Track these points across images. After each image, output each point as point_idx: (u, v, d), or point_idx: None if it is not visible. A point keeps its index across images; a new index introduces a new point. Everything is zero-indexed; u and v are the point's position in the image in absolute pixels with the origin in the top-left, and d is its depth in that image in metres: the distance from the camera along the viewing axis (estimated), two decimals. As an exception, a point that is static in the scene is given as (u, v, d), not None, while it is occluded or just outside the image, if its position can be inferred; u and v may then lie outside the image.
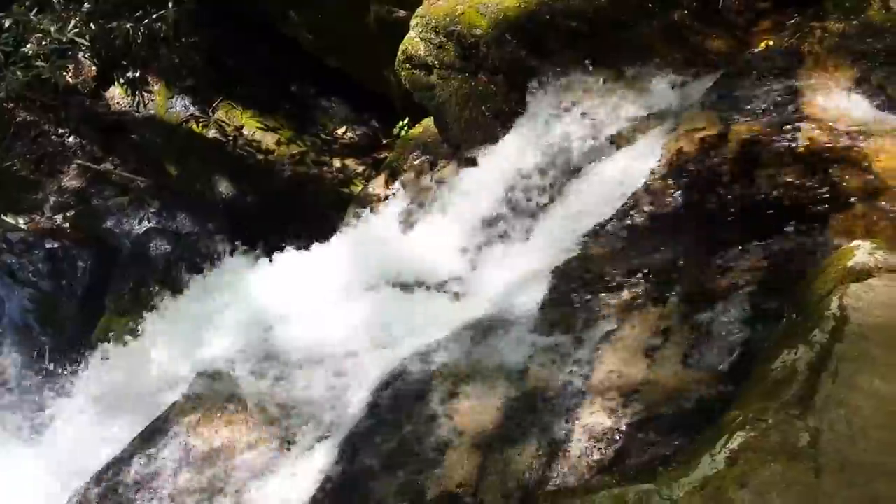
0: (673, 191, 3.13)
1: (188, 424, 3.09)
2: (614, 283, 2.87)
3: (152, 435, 3.08)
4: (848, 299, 1.96)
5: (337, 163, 5.93)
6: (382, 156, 5.70)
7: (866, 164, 2.81)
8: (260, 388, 3.17)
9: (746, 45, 3.97)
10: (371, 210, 4.43)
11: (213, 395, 3.18)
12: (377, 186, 4.58)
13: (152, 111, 6.23)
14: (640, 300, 2.73)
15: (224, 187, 5.79)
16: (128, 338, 4.06)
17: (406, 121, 5.28)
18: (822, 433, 1.69)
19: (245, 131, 6.05)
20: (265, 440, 2.97)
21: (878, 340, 1.86)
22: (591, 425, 2.39)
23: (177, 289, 4.31)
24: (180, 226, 5.41)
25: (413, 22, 4.47)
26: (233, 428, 3.03)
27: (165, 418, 3.15)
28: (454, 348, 2.89)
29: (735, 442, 1.78)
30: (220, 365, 3.33)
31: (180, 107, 6.20)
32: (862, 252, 2.12)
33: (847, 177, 2.79)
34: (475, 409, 2.63)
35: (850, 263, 2.09)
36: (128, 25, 5.14)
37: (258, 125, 6.07)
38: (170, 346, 3.79)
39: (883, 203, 2.65)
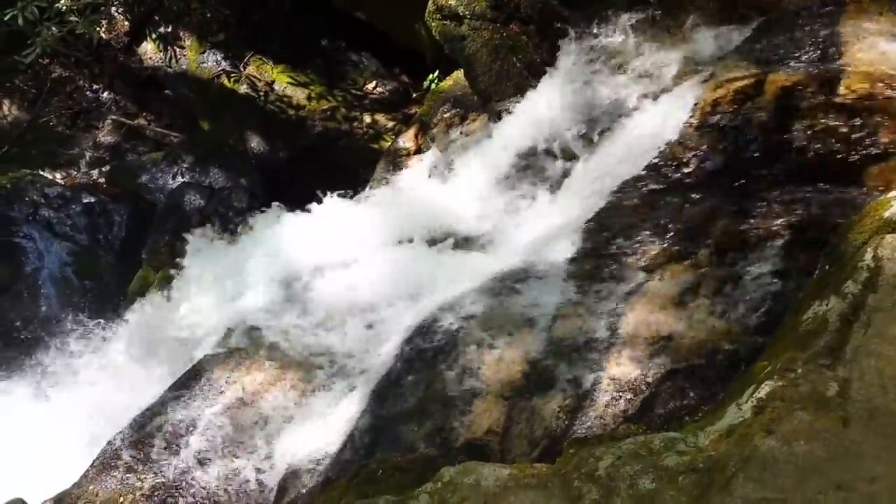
0: (707, 142, 3.07)
1: (222, 373, 3.16)
2: (645, 235, 2.85)
3: (188, 383, 3.16)
4: (883, 250, 1.92)
5: (367, 118, 5.92)
6: (412, 111, 5.68)
7: (908, 114, 2.72)
8: (292, 337, 3.23)
9: (787, -9, 3.84)
10: (401, 164, 4.43)
11: (246, 344, 3.24)
12: (407, 140, 4.57)
13: (184, 66, 6.26)
14: (670, 252, 2.70)
15: (256, 142, 5.83)
16: (163, 289, 4.15)
17: (436, 74, 5.24)
18: (852, 383, 1.68)
19: (276, 86, 6.06)
20: (298, 388, 3.03)
21: (912, 291, 1.82)
22: (619, 376, 2.40)
23: (211, 241, 4.37)
24: (213, 180, 5.47)
25: (444, -28, 4.39)
26: (266, 376, 3.10)
27: (200, 367, 3.23)
28: (483, 300, 2.90)
29: (763, 391, 1.77)
30: (253, 315, 3.39)
31: (212, 62, 6.23)
32: (899, 203, 2.07)
33: (887, 127, 2.71)
34: (503, 360, 2.65)
35: (886, 214, 2.04)
36: (161, -21, 5.13)
37: (289, 80, 6.08)
38: (204, 297, 3.86)
39: (923, 153, 2.57)
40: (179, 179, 5.44)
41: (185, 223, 4.84)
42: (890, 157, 2.61)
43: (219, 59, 6.21)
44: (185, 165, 5.52)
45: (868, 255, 1.93)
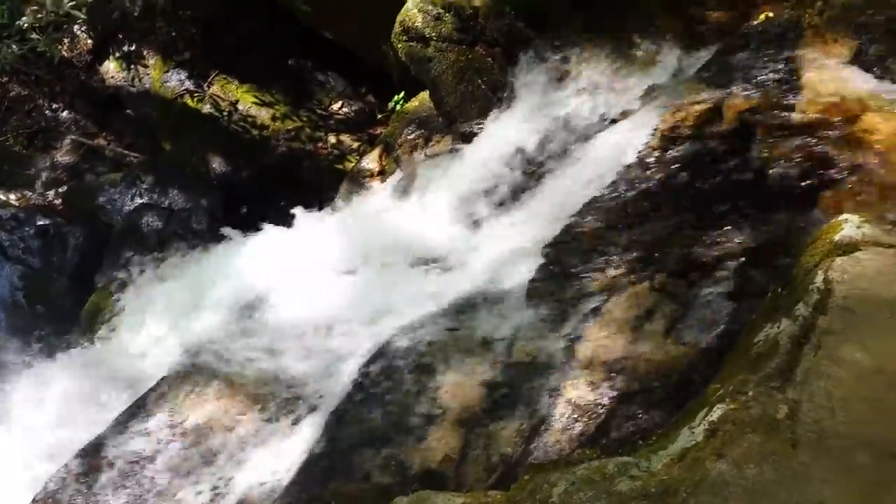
0: (666, 164, 3.08)
1: (173, 401, 3.09)
2: (604, 258, 2.84)
3: (137, 412, 3.07)
4: (833, 273, 1.93)
5: (332, 138, 5.89)
6: (378, 131, 5.66)
7: (860, 139, 2.76)
8: (248, 363, 3.16)
9: (746, 16, 3.90)
10: (365, 185, 4.40)
11: (200, 370, 3.17)
12: (371, 161, 4.55)
13: (147, 85, 6.19)
14: (628, 274, 2.70)
15: (218, 163, 5.75)
16: (117, 314, 4.06)
17: (402, 94, 5.23)
18: (802, 405, 1.67)
19: (240, 106, 6.01)
20: (252, 415, 2.96)
21: (862, 313, 1.83)
22: (575, 399, 2.38)
23: (168, 265, 4.30)
24: (173, 201, 5.38)
25: (411, -7, 4.41)
26: (220, 403, 3.02)
27: (150, 395, 3.14)
28: (442, 323, 2.87)
29: (715, 414, 1.76)
30: (208, 340, 3.32)
31: (175, 81, 6.16)
32: (849, 226, 2.09)
33: (840, 151, 2.74)
34: (460, 384, 2.62)
35: (836, 237, 2.06)
36: (126, -2, 5.09)
37: (253, 100, 6.03)
38: (159, 321, 3.78)
39: (874, 178, 2.61)
40: (138, 201, 5.34)
41: (143, 245, 4.75)
42: (842, 180, 2.64)
43: (183, 78, 6.14)
44: (144, 186, 5.42)
45: (819, 278, 1.94)
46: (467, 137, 4.13)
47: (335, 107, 6.12)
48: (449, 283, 3.24)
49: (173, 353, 3.36)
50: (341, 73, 6.15)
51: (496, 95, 4.16)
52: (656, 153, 3.17)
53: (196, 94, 6.08)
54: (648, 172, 3.12)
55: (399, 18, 4.42)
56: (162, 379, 3.18)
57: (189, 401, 3.04)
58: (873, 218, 2.17)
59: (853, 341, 1.77)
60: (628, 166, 3.19)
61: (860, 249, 1.98)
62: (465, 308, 2.94)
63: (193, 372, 3.14)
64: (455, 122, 4.32)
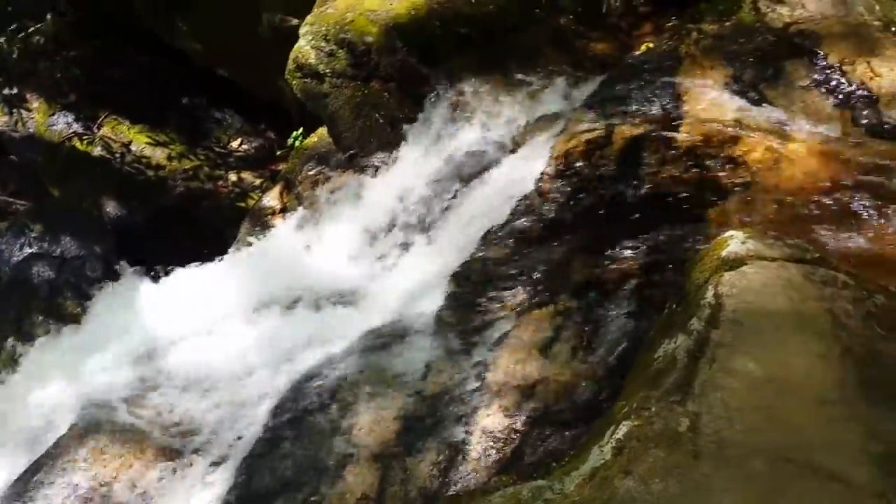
0: (562, 191, 3.19)
1: (77, 459, 2.93)
2: (509, 284, 2.90)
3: (36, 474, 2.89)
4: (723, 287, 2.03)
5: (232, 176, 5.77)
6: (279, 167, 5.60)
7: (740, 159, 2.94)
8: (153, 415, 3.04)
9: (629, 47, 4.11)
10: (267, 223, 4.33)
11: (103, 426, 3.02)
12: (272, 199, 4.49)
13: (32, 130, 5.92)
14: (533, 299, 2.76)
15: (112, 207, 5.54)
16: (9, 371, 3.83)
17: (301, 130, 5.20)
18: (701, 417, 1.75)
19: (133, 147, 5.82)
20: (160, 469, 2.84)
21: (750, 325, 1.93)
22: (489, 427, 2.40)
23: (62, 317, 4.09)
24: (65, 250, 5.12)
25: (302, 30, 4.40)
26: (125, 459, 2.88)
27: (52, 454, 2.97)
28: (352, 360, 2.85)
29: (621, 431, 1.81)
30: (109, 394, 3.17)
31: (62, 124, 5.92)
32: (735, 241, 2.20)
33: (722, 171, 2.92)
34: (375, 421, 2.60)
35: (724, 253, 2.17)
36: (2, 39, 4.88)
37: (147, 140, 5.85)
38: (56, 377, 3.59)
39: (755, 194, 2.78)
40: (27, 251, 5.05)
41: (34, 298, 4.50)
42: (726, 198, 2.80)
43: (70, 120, 5.90)
44: (32, 235, 5.14)
45: (709, 293, 2.04)
46: (367, 172, 4.14)
47: (234, 144, 6.02)
48: (357, 319, 3.22)
49: (72, 409, 3.18)
50: (238, 109, 6.06)
51: (394, 130, 4.19)
52: (551, 180, 3.27)
53: (85, 137, 5.85)
54: (545, 199, 3.21)
55: (292, 55, 4.39)
56: (61, 437, 3.01)
57: (91, 458, 2.88)
58: (756, 233, 2.31)
59: (743, 352, 1.87)
60: (526, 194, 3.28)
61: (746, 264, 2.09)
62: (375, 343, 2.92)
63: (94, 427, 2.99)
64: (355, 157, 4.32)
